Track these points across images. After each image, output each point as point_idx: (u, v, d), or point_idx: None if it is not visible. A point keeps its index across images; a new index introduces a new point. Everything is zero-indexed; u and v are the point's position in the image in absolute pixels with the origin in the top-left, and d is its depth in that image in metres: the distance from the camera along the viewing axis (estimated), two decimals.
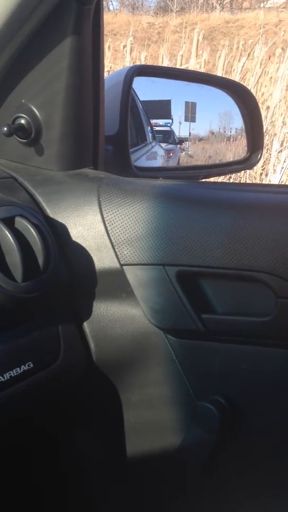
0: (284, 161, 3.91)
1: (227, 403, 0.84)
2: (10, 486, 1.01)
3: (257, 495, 0.90)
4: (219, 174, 1.53)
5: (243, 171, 3.86)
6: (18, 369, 0.77)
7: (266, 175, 4.19)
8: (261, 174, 4.26)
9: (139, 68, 1.16)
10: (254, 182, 4.25)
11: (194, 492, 0.93)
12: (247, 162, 1.35)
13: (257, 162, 1.36)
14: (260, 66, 4.81)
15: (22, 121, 0.91)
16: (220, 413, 0.83)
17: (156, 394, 0.89)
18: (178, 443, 0.89)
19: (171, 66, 5.30)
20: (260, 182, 4.21)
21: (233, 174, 3.73)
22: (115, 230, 0.83)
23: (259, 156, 1.35)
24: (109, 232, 0.84)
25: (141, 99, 1.28)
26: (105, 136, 0.99)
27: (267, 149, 4.32)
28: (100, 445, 0.99)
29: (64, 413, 0.96)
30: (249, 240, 0.77)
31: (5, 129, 0.90)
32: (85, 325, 0.88)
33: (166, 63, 5.41)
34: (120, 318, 0.86)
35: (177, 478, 0.93)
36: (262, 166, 4.25)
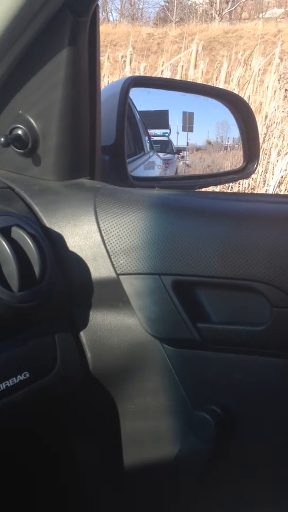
0: (285, 170, 3.93)
1: (223, 412, 0.84)
2: (7, 496, 1.01)
3: (253, 504, 0.89)
4: (215, 184, 1.54)
5: (241, 181, 3.87)
6: (15, 379, 0.77)
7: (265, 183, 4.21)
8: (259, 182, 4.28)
9: (136, 79, 1.17)
10: (253, 191, 4.26)
11: (191, 501, 0.93)
12: (243, 172, 1.36)
13: (253, 171, 1.37)
14: (258, 76, 4.84)
15: (19, 132, 0.92)
16: (216, 422, 0.83)
17: (152, 404, 0.89)
18: (175, 452, 0.89)
19: (170, 76, 5.34)
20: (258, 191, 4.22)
21: (231, 183, 3.75)
22: (111, 239, 0.84)
23: (255, 166, 1.36)
24: (106, 241, 0.84)
25: (139, 109, 1.29)
26: (102, 146, 1.00)
27: (267, 157, 4.33)
28: (97, 455, 0.99)
29: (61, 422, 0.96)
30: (245, 250, 0.77)
31: (2, 139, 0.90)
32: (82, 334, 0.88)
33: (166, 73, 5.44)
34: (117, 327, 0.87)
35: (173, 487, 0.93)
36: (260, 174, 4.27)
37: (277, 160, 4.16)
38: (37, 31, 0.86)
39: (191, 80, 4.86)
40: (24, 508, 1.03)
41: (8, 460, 0.96)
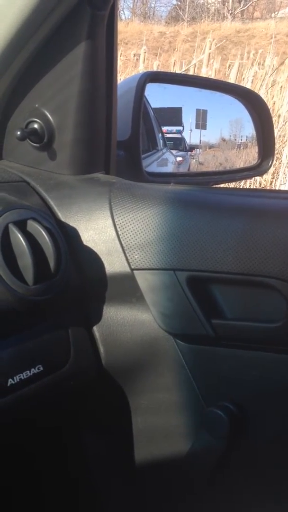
0: None
1: (236, 409, 0.84)
2: (15, 488, 1.01)
3: (265, 503, 0.89)
4: (229, 181, 1.53)
5: (253, 179, 3.86)
6: (28, 372, 0.77)
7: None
8: (271, 182, 4.27)
9: (152, 74, 1.16)
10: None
11: (202, 498, 0.93)
12: (258, 169, 1.35)
13: (268, 168, 1.36)
14: (271, 75, 4.82)
15: (35, 126, 0.92)
16: (229, 419, 0.83)
17: (165, 399, 0.89)
18: (187, 449, 0.88)
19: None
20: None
21: (243, 181, 3.74)
22: (126, 234, 0.84)
23: (270, 163, 1.35)
24: (120, 236, 0.84)
25: (153, 106, 1.29)
26: (117, 142, 1.00)
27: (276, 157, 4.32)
28: (108, 449, 0.99)
29: (73, 416, 0.96)
30: (260, 246, 0.77)
31: (19, 133, 0.90)
32: (95, 329, 0.88)
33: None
34: (130, 322, 0.86)
35: (184, 484, 0.92)
36: (272, 174, 4.25)
37: None
38: (55, 24, 0.85)
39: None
40: (33, 500, 1.04)
41: (18, 452, 0.96)
